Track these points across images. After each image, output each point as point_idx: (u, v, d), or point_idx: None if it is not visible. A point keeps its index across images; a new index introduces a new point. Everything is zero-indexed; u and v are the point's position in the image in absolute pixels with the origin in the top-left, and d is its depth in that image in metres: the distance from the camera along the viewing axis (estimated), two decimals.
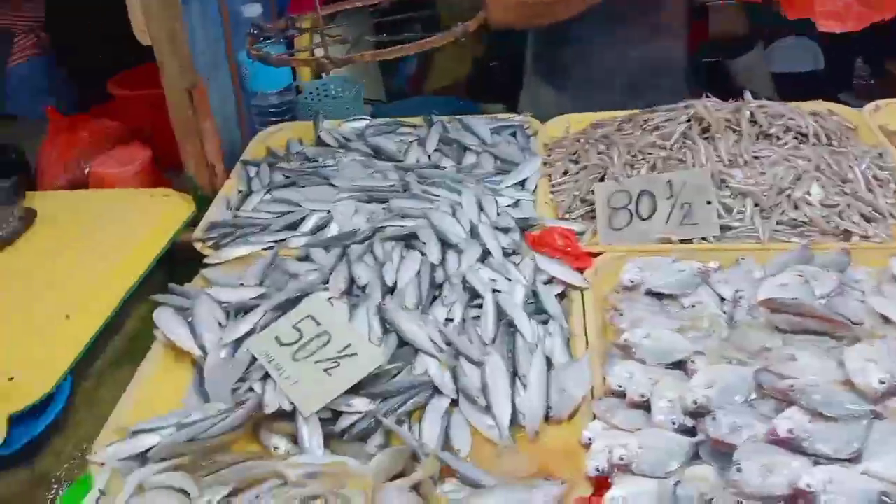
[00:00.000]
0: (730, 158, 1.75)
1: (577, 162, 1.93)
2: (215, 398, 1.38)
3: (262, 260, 1.72)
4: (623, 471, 1.17)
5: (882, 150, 1.85)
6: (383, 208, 1.80)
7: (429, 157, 2.07)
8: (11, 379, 1.47)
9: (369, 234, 1.70)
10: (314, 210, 1.86)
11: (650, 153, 1.82)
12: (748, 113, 1.83)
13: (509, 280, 1.57)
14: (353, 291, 1.57)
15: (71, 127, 2.35)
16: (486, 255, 1.63)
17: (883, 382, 1.15)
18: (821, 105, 2.03)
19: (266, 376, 1.40)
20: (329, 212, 1.84)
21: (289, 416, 1.33)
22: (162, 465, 1.22)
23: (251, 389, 1.39)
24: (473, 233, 1.67)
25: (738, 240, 1.65)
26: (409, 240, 1.68)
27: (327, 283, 1.58)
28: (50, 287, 1.73)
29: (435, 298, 1.55)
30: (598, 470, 1.19)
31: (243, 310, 1.57)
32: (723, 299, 1.51)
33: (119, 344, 1.71)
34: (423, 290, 1.54)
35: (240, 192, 2.02)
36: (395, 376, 1.39)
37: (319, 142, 2.20)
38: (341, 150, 2.12)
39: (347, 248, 1.67)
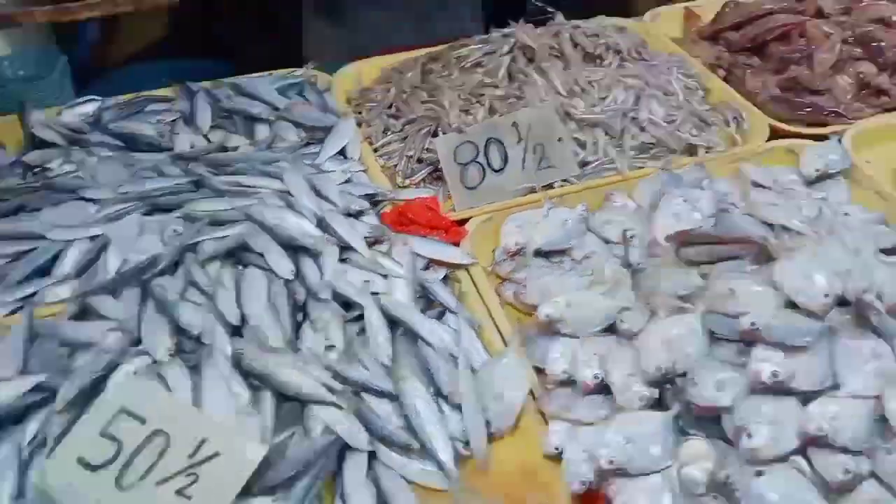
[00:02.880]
0: (566, 88, 1.60)
1: (397, 117, 1.63)
2: None
3: (13, 331, 1.15)
4: (616, 475, 0.98)
5: (679, 59, 1.84)
6: (179, 217, 1.32)
7: (205, 137, 1.60)
8: None
9: (176, 257, 1.23)
10: (69, 240, 1.31)
11: (482, 94, 1.60)
12: (568, 36, 1.69)
13: (385, 277, 1.24)
14: (183, 345, 1.11)
15: None
16: (342, 251, 1.28)
17: (827, 295, 1.09)
18: (606, 20, 1.96)
19: None
20: (94, 238, 1.31)
21: None
22: None
23: None
24: (321, 226, 1.29)
25: (597, 174, 1.53)
26: (238, 254, 1.25)
27: (138, 344, 1.10)
28: None
29: (299, 324, 1.17)
30: (583, 484, 0.99)
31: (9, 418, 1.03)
32: (606, 241, 1.38)
33: None
34: (283, 317, 1.15)
35: None
36: (285, 448, 1.00)
37: (34, 141, 1.58)
38: (76, 148, 1.54)
39: (149, 283, 1.19)
